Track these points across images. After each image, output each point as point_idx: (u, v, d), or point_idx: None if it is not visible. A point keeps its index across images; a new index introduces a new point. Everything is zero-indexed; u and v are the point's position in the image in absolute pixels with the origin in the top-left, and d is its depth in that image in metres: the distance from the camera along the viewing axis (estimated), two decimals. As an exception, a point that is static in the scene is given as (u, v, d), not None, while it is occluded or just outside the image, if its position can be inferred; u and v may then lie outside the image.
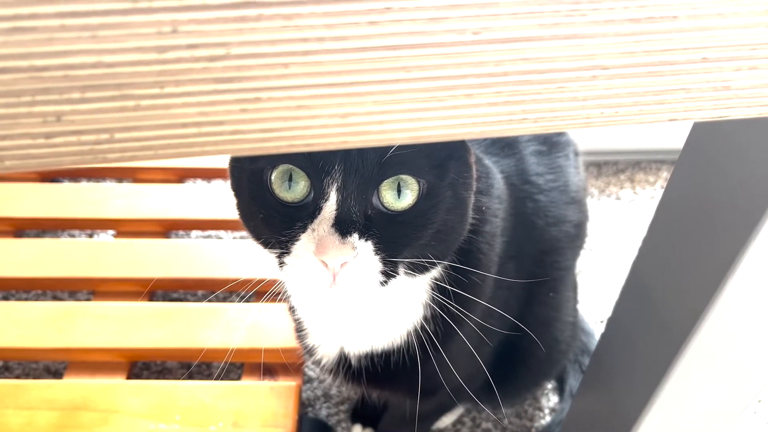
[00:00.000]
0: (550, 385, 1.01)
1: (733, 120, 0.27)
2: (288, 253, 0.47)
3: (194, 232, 1.19)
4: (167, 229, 1.09)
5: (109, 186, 1.15)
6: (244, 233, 1.18)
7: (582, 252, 0.82)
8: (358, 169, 0.45)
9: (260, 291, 0.91)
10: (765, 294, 0.42)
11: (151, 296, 1.01)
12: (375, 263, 0.47)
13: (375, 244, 0.47)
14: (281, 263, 0.48)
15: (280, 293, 0.57)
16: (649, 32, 0.24)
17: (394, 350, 0.62)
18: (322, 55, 0.22)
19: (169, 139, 0.24)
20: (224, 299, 1.09)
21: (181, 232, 1.17)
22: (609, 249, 1.22)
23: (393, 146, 0.46)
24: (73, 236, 1.17)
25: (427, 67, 0.23)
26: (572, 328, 0.84)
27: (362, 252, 0.46)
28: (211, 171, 1.18)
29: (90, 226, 1.11)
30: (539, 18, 0.23)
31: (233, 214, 1.06)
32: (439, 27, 0.22)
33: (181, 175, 1.18)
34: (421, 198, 0.47)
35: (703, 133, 0.44)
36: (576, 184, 0.73)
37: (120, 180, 1.23)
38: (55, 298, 1.08)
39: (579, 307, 0.91)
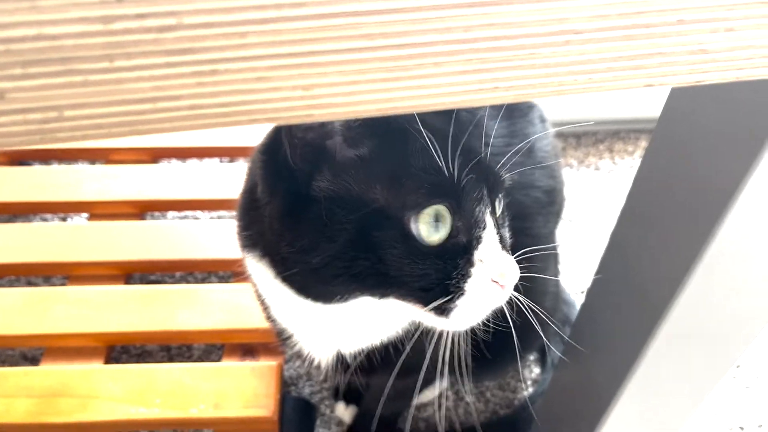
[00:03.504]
0: (532, 357, 1.02)
1: (709, 85, 0.26)
2: (460, 293, 0.44)
3: (170, 213, 1.17)
4: (142, 210, 1.07)
5: (82, 168, 1.13)
6: (222, 213, 1.17)
7: (559, 221, 0.82)
8: (492, 188, 0.46)
9: (239, 271, 0.90)
10: (743, 261, 0.42)
11: (128, 279, 0.99)
12: None
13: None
14: (442, 309, 0.45)
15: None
16: (622, -7, 0.23)
17: (392, 341, 0.60)
18: (281, 23, 0.21)
19: (122, 116, 0.23)
20: (203, 280, 1.08)
21: (156, 214, 1.16)
22: (589, 220, 1.22)
23: (506, 153, 0.48)
24: (45, 220, 1.15)
25: (392, 35, 0.22)
26: (553, 298, 0.84)
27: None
28: (185, 150, 1.16)
29: (63, 209, 1.09)
30: (508, -20, 0.22)
31: (210, 193, 1.05)
32: (403, -9, 0.21)
33: (155, 155, 1.16)
34: None
35: (679, 101, 0.43)
36: (542, 150, 0.71)
37: (92, 162, 1.21)
38: (30, 283, 1.06)
39: (560, 278, 0.91)
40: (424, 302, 0.45)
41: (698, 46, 0.25)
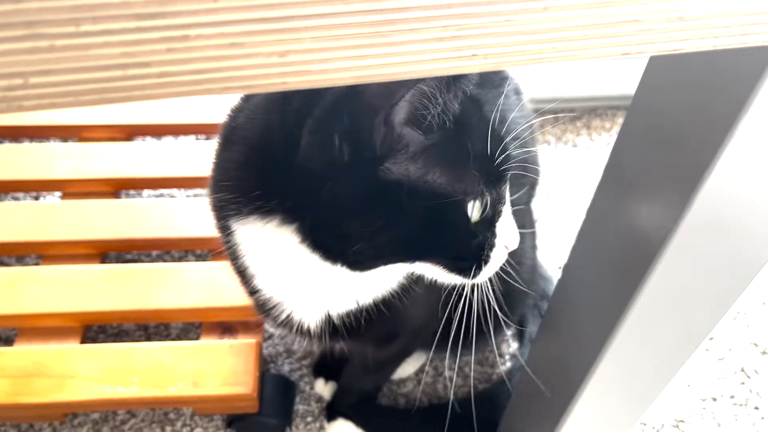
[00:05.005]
0: (510, 332, 1.03)
1: (684, 59, 0.26)
2: (487, 260, 0.52)
3: (146, 192, 1.15)
4: (117, 188, 1.06)
5: (54, 146, 1.10)
6: (198, 191, 1.15)
7: (534, 194, 0.83)
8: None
9: (215, 249, 0.89)
10: (718, 234, 0.42)
11: (104, 258, 0.98)
12: None
13: None
14: (467, 272, 0.52)
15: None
16: (600, -41, 0.22)
17: (377, 303, 0.61)
18: (253, -14, 0.21)
19: (91, 83, 0.22)
20: (180, 259, 1.07)
21: (132, 192, 1.14)
22: (566, 196, 1.23)
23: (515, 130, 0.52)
24: (17, 199, 1.13)
25: (368, -1, 0.22)
26: (530, 271, 0.84)
27: None
28: (160, 127, 1.14)
29: (35, 188, 1.07)
30: (486, -57, 0.21)
31: (186, 171, 1.04)
32: (378, -47, 0.21)
33: (129, 133, 1.14)
34: None
35: (655, 75, 0.43)
36: (515, 121, 0.71)
37: (65, 139, 1.18)
38: (2, 263, 1.04)
39: (538, 253, 0.92)
40: (459, 269, 0.52)
41: (675, 14, 0.25)
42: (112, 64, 0.22)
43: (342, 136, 0.44)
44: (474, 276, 0.52)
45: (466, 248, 0.51)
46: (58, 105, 0.22)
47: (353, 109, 0.44)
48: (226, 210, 0.53)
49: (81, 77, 0.22)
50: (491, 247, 0.52)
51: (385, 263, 0.50)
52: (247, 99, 0.53)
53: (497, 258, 0.53)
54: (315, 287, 0.58)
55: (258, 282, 0.59)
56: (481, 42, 0.24)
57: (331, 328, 0.62)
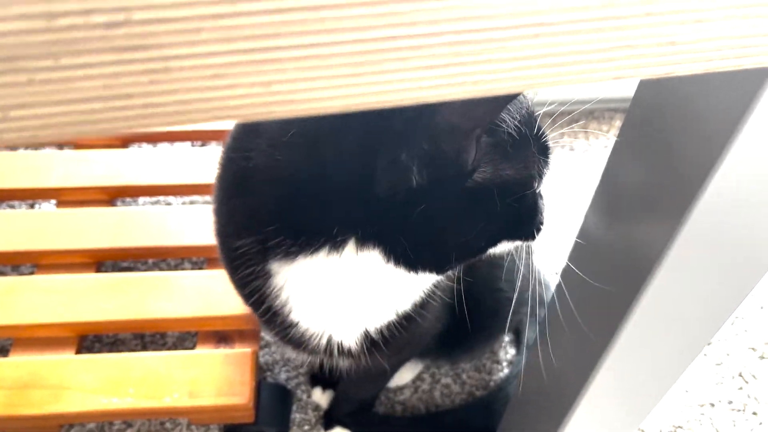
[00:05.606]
0: (507, 338, 1.03)
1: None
2: (542, 222, 0.57)
3: (141, 199, 1.15)
4: (113, 196, 1.05)
5: (49, 153, 1.10)
6: (194, 198, 1.15)
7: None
8: None
9: (212, 257, 0.89)
10: (718, 240, 0.42)
11: (99, 267, 0.97)
12: None
13: None
14: (531, 236, 0.56)
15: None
16: (591, -15, 0.22)
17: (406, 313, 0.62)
18: (236, 18, 0.20)
19: (72, 116, 0.21)
20: (176, 267, 1.07)
21: (127, 199, 1.14)
22: (563, 200, 1.22)
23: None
24: (12, 207, 1.12)
25: (354, 29, 0.21)
26: (526, 276, 0.84)
27: None
28: (156, 134, 1.13)
29: (30, 196, 1.06)
30: (473, -28, 0.21)
31: (181, 178, 1.03)
32: (363, -16, 0.20)
33: (125, 139, 1.13)
34: None
35: (651, 86, 0.43)
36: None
37: (60, 147, 1.18)
38: (-2, 272, 1.04)
39: (534, 257, 0.91)
40: (532, 236, 0.56)
41: (667, 38, 0.24)
42: (94, 96, 0.21)
43: (422, 161, 0.45)
44: (535, 237, 0.57)
45: (535, 217, 0.55)
46: (40, 138, 0.22)
47: (432, 133, 0.44)
48: (260, 255, 0.52)
49: (62, 110, 0.21)
50: (543, 211, 0.57)
51: (475, 257, 0.54)
52: (248, 137, 0.51)
53: (548, 218, 0.58)
54: (360, 305, 0.58)
55: (295, 316, 0.58)
56: (472, 69, 0.23)
57: (369, 342, 0.63)
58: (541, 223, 0.57)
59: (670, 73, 0.26)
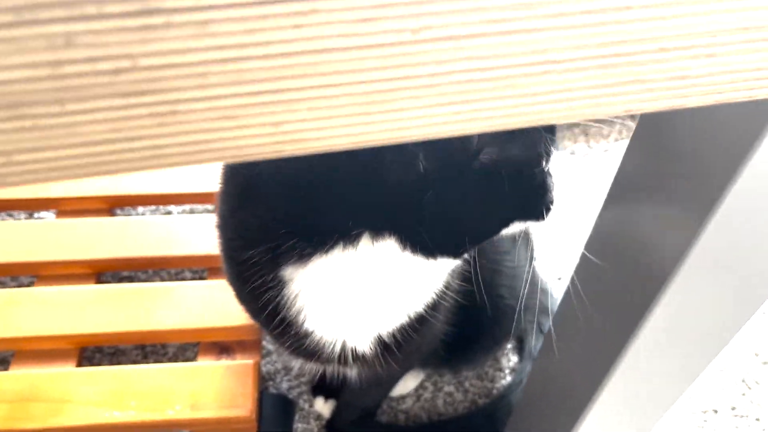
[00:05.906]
0: (509, 345, 1.02)
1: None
2: (552, 201, 0.56)
3: (141, 208, 1.15)
4: (112, 206, 1.05)
5: (48, 162, 1.09)
6: (194, 206, 1.14)
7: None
8: None
9: (213, 267, 0.89)
10: (736, 250, 0.41)
11: (99, 278, 0.97)
12: None
13: None
14: (541, 215, 0.56)
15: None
16: (602, 23, 0.22)
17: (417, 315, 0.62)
18: (244, 63, 0.20)
19: (77, 159, 0.21)
20: (176, 276, 1.06)
21: (127, 208, 1.13)
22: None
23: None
24: (11, 217, 1.12)
25: (363, 70, 0.21)
26: (527, 283, 0.84)
27: None
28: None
29: (29, 206, 1.06)
30: (483, 13, 0.20)
31: (181, 186, 1.03)
32: (372, 28, 0.20)
33: (123, 148, 1.13)
34: None
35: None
36: None
37: (59, 155, 1.17)
38: (-3, 284, 1.03)
39: (536, 264, 0.91)
40: (542, 216, 0.55)
41: (679, 73, 0.24)
42: (99, 139, 0.21)
43: (428, 146, 0.45)
44: (545, 217, 0.56)
45: (544, 196, 0.55)
46: (44, 180, 0.22)
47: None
48: (272, 263, 0.52)
49: (67, 153, 0.21)
50: (552, 190, 0.56)
51: (489, 237, 0.55)
52: None
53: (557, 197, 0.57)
54: (375, 306, 0.58)
55: (309, 324, 0.58)
56: (481, 106, 0.23)
57: (383, 347, 0.62)
58: (551, 202, 0.57)
59: (681, 105, 0.25)
